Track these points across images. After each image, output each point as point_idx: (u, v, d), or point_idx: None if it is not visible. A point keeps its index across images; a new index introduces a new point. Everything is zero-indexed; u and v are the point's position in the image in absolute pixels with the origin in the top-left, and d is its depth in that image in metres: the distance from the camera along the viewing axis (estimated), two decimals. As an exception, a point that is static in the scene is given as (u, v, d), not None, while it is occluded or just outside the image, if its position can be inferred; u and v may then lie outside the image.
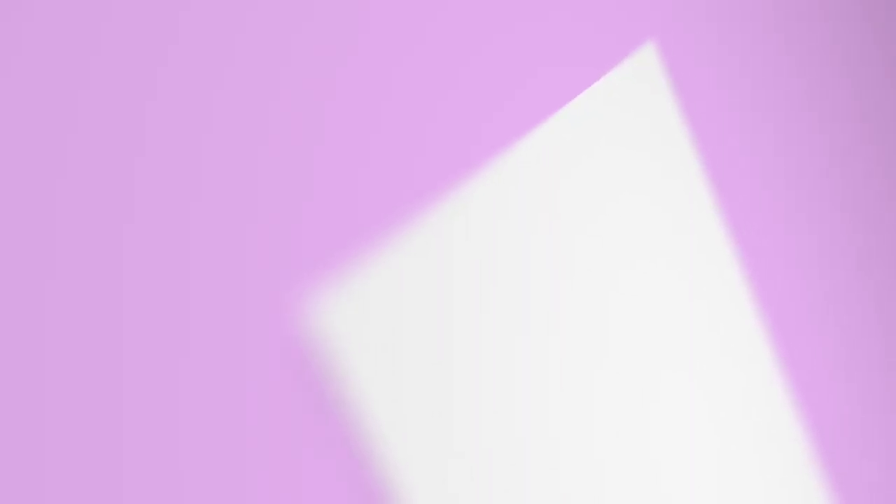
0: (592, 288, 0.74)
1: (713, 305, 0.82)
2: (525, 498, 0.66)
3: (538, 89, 0.74)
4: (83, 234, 0.50)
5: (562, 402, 0.69)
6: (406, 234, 0.63)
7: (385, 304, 0.60)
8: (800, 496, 0.86)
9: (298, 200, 0.59)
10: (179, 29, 0.56)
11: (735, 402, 0.83)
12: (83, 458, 0.49)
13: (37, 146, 0.50)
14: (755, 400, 0.84)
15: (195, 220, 0.55)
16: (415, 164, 0.66)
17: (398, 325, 0.60)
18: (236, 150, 0.57)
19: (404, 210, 0.64)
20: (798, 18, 0.88)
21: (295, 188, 0.59)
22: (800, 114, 0.88)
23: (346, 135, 0.63)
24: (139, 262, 0.52)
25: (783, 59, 0.87)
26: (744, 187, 0.85)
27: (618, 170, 0.77)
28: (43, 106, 0.50)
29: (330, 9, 0.64)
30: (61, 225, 0.50)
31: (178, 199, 0.54)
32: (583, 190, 0.74)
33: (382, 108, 0.65)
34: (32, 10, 0.50)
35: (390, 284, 0.60)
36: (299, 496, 0.57)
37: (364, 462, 0.59)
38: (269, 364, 0.56)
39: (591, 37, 0.78)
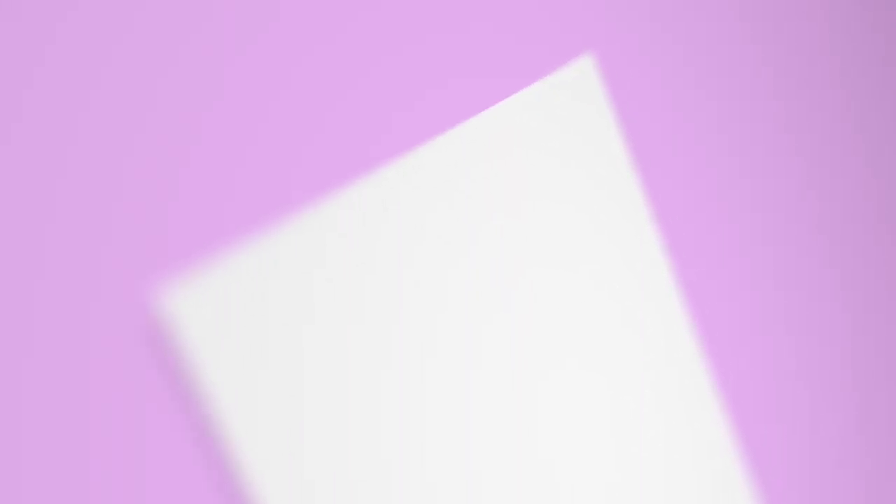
0: (488, 289, 0.74)
1: (644, 315, 0.83)
2: (385, 499, 0.66)
3: (465, 92, 0.75)
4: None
5: (428, 402, 0.70)
6: (292, 227, 0.63)
7: (249, 298, 0.60)
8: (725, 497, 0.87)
9: (169, 188, 0.59)
10: (45, 24, 0.55)
11: (662, 411, 0.84)
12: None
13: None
14: (684, 408, 0.85)
15: (57, 201, 0.54)
16: (311, 158, 0.66)
17: (259, 320, 0.60)
18: (106, 136, 0.57)
19: (293, 202, 0.65)
20: (741, 38, 0.90)
21: (167, 175, 0.59)
22: (735, 127, 0.89)
23: (232, 124, 0.63)
24: None
25: (725, 76, 0.88)
26: (679, 199, 0.85)
27: (541, 173, 0.77)
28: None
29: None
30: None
31: (42, 180, 0.54)
32: (494, 190, 0.75)
33: (288, 96, 0.65)
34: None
35: (258, 279, 0.61)
36: (149, 490, 0.57)
37: (215, 456, 0.59)
38: (122, 353, 0.56)
39: (529, 44, 0.78)
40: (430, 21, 0.73)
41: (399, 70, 0.71)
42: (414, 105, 0.72)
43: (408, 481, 0.67)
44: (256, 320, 0.60)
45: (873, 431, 0.97)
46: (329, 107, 0.68)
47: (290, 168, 0.66)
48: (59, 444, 0.53)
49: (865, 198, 0.97)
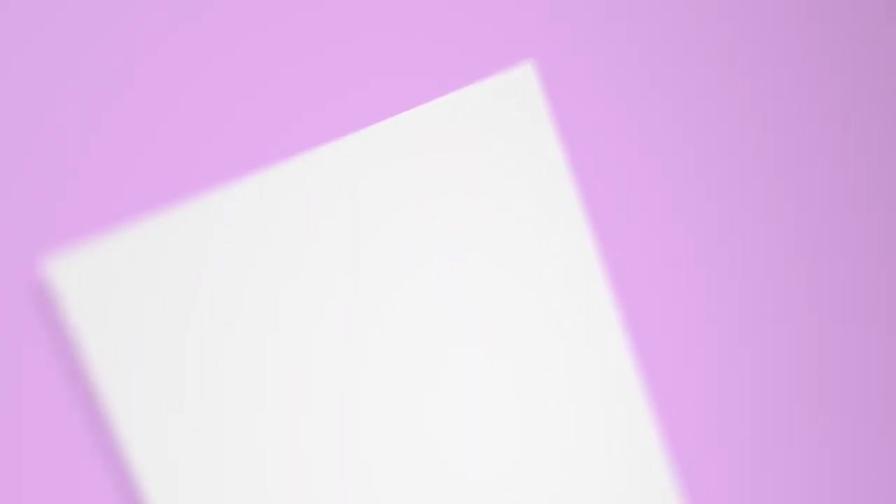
0: (397, 279, 0.75)
1: (574, 317, 0.83)
2: (263, 483, 0.68)
3: (404, 88, 0.76)
4: None
5: (313, 388, 0.71)
6: (199, 208, 0.65)
7: (135, 276, 0.62)
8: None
9: (68, 165, 0.61)
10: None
11: (587, 411, 0.84)
12: None
13: None
14: (609, 409, 0.85)
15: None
16: (237, 140, 0.68)
17: (143, 297, 0.63)
18: (8, 110, 0.58)
19: (211, 182, 0.66)
20: (688, 56, 0.90)
21: (68, 152, 0.61)
22: (675, 140, 0.89)
23: (140, 104, 0.64)
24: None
25: (668, 91, 0.89)
26: (615, 206, 0.86)
27: (468, 170, 0.78)
28: None
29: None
30: None
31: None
32: (417, 184, 0.76)
33: (214, 79, 0.66)
34: None
35: (147, 258, 0.63)
36: (26, 455, 0.59)
37: (95, 422, 0.62)
38: (6, 317, 0.58)
39: (473, 47, 0.79)
40: (377, 17, 0.75)
41: (339, 61, 0.73)
42: (348, 96, 0.73)
43: (288, 462, 0.68)
44: (140, 297, 0.62)
45: (805, 432, 0.97)
46: (260, 92, 0.69)
47: (212, 148, 0.67)
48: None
49: (799, 209, 0.97)
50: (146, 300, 0.62)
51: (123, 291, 0.61)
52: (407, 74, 0.76)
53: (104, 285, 0.60)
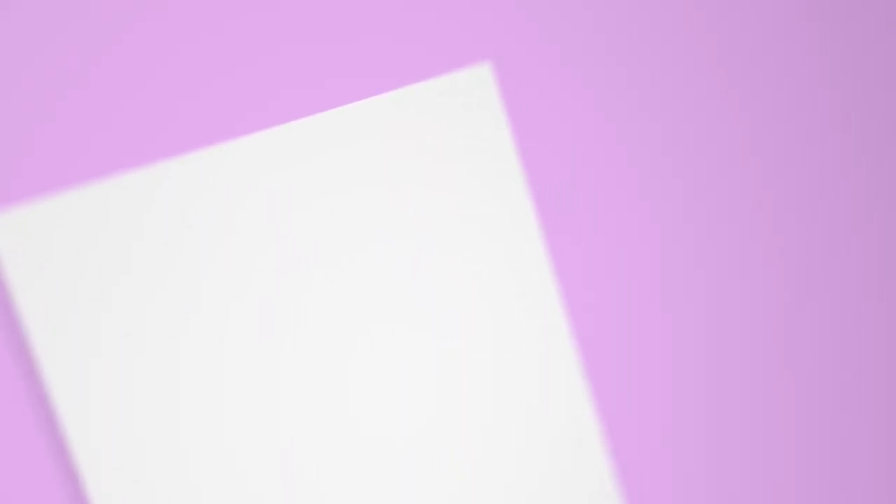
0: (333, 265, 0.77)
1: (518, 316, 0.84)
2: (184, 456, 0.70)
3: (362, 82, 0.78)
4: None
5: (235, 382, 0.73)
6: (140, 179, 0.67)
7: (69, 241, 0.65)
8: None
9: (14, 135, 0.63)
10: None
11: (527, 407, 0.84)
12: None
13: None
14: (550, 406, 0.85)
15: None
16: (190, 115, 0.70)
17: (75, 261, 0.65)
18: None
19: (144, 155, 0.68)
20: (645, 62, 0.91)
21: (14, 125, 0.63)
22: (629, 141, 0.91)
23: (92, 78, 0.66)
24: None
25: (631, 97, 0.90)
26: (567, 210, 0.87)
27: (415, 163, 0.80)
28: None
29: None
30: None
31: None
32: (359, 173, 0.78)
33: (174, 54, 0.68)
34: None
35: (85, 227, 0.65)
36: None
37: (29, 377, 0.64)
38: None
39: (434, 46, 0.81)
40: (346, 9, 0.77)
41: (301, 51, 0.75)
42: (308, 84, 0.75)
43: (207, 425, 0.70)
44: (75, 260, 0.64)
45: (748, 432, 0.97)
46: (221, 76, 0.71)
47: (164, 121, 0.69)
48: None
49: (749, 210, 0.98)
50: (81, 263, 0.65)
51: (60, 253, 0.64)
52: (364, 69, 0.78)
53: (42, 246, 0.63)
